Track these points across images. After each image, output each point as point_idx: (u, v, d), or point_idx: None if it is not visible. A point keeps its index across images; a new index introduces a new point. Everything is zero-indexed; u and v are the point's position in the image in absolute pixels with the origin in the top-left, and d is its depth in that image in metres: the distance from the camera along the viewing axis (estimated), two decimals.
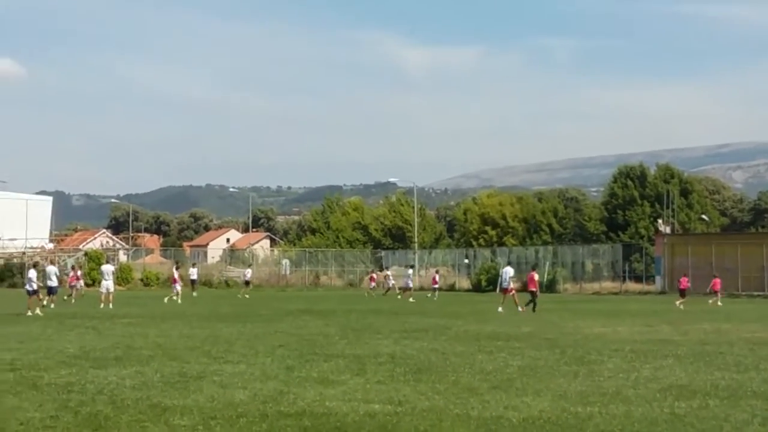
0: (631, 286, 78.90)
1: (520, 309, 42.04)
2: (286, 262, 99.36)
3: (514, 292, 44.61)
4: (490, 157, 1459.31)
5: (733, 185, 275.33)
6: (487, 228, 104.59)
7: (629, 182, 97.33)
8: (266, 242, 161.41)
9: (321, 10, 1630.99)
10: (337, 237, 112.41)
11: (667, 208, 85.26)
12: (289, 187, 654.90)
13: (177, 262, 70.18)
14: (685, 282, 54.57)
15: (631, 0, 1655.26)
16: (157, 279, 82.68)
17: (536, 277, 45.87)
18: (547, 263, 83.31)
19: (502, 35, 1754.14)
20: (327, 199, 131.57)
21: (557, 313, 41.95)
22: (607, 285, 78.49)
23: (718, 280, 56.83)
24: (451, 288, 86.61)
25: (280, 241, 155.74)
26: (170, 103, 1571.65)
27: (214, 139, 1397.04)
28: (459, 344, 23.08)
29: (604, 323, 32.74)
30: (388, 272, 73.24)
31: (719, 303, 53.45)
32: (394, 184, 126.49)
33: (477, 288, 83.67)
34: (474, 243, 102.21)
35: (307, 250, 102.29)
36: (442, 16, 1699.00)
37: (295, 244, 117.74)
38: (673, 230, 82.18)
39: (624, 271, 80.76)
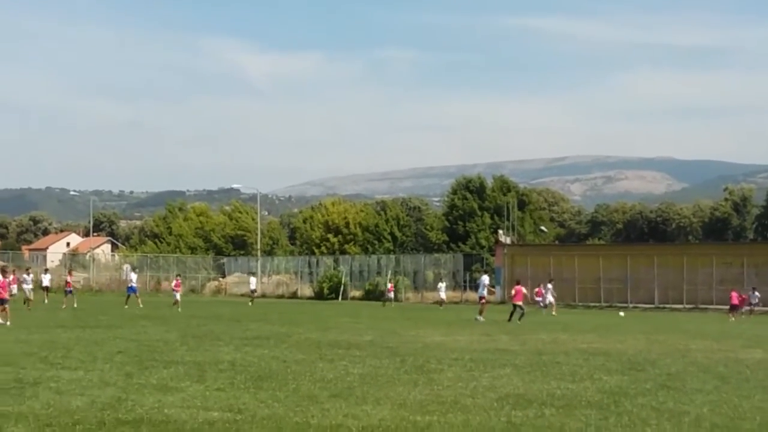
0: (472, 295, 79.27)
1: (480, 318, 42.92)
2: (127, 267, 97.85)
3: (485, 301, 45.21)
4: (333, 165, 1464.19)
5: (571, 197, 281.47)
6: (330, 235, 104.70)
7: (468, 194, 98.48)
8: (107, 247, 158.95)
9: (165, 16, 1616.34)
10: (179, 243, 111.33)
11: (507, 219, 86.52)
12: (132, 192, 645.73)
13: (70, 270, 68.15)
14: (735, 297, 55.58)
15: (474, 13, 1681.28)
16: None
17: (524, 290, 45.11)
18: (389, 272, 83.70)
19: (343, 44, 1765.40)
20: (169, 204, 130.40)
21: (398, 321, 42.12)
22: (448, 294, 79.12)
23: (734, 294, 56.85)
24: (294, 295, 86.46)
25: (122, 245, 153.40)
26: (6, 106, 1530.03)
27: (54, 142, 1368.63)
28: (300, 352, 23.00)
29: (444, 332, 32.97)
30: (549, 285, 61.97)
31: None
32: (237, 190, 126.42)
33: (319, 296, 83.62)
34: (316, 251, 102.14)
35: (148, 255, 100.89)
36: (284, 23, 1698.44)
37: (136, 249, 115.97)
38: (512, 241, 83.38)
39: (465, 281, 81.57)
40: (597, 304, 69.47)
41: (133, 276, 60.09)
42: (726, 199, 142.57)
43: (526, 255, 78.14)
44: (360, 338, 28.71)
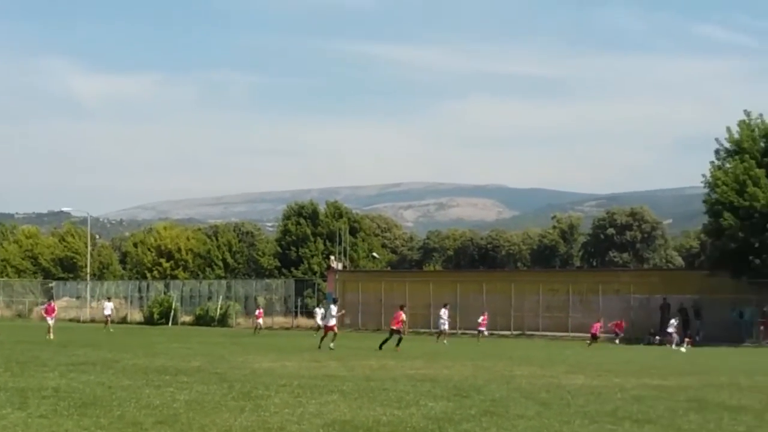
0: (303, 321, 79.82)
1: (331, 346, 41.41)
2: None
3: (334, 330, 43.40)
4: (167, 188, 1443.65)
5: (404, 224, 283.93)
6: (162, 260, 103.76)
7: (301, 220, 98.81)
8: None
9: None
10: (5, 266, 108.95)
11: (339, 245, 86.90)
12: None
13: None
14: (595, 327, 58.09)
15: (312, 38, 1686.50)
16: None
17: (403, 316, 44.65)
18: (221, 297, 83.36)
19: (180, 66, 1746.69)
20: (1, 226, 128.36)
21: (227, 347, 41.96)
22: (280, 320, 79.22)
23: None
24: (123, 320, 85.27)
25: None
26: None
27: None
28: (126, 378, 22.73)
29: (273, 358, 32.97)
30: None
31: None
32: (67, 213, 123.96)
33: (149, 321, 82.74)
34: (148, 275, 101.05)
35: None
36: (117, 44, 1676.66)
37: None
38: (344, 267, 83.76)
39: (296, 307, 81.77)
40: (427, 330, 70.06)
41: None
42: (554, 227, 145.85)
43: (357, 281, 78.53)
44: (188, 364, 28.53)
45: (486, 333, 60.42)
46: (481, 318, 61.01)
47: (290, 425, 14.88)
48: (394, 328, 43.57)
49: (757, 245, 57.29)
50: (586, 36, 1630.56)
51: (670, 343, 57.45)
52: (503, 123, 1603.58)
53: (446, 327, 56.84)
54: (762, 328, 60.21)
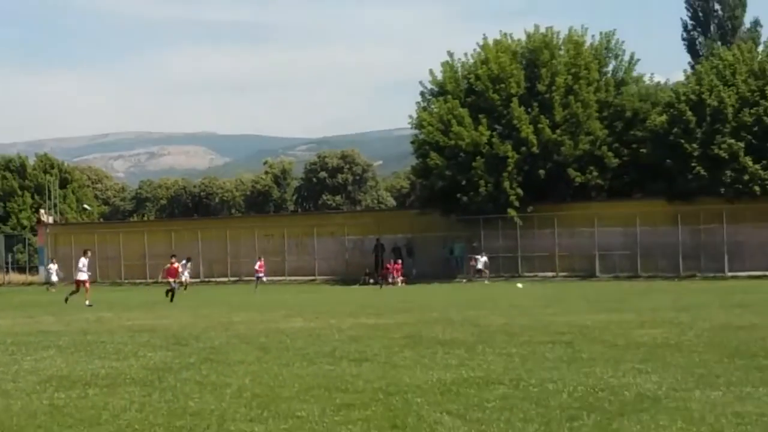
0: (15, 277, 77.77)
1: (87, 303, 39.06)
2: None
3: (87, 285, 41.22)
4: None
5: (115, 174, 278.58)
6: None
7: (8, 174, 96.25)
8: None
9: None
10: None
11: (49, 198, 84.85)
12: None
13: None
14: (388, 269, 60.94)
15: None
16: None
17: (177, 265, 44.82)
18: None
19: None
20: None
21: None
22: None
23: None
24: None
25: None
26: None
27: None
28: None
29: None
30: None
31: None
32: None
33: None
34: None
35: None
36: None
37: None
38: (55, 221, 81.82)
39: (7, 263, 79.53)
40: (143, 281, 69.34)
41: None
42: (266, 173, 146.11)
43: (69, 234, 76.74)
44: None
45: (265, 279, 59.61)
46: (258, 264, 60.31)
47: (5, 384, 14.61)
48: (171, 279, 43.18)
49: (464, 183, 59.05)
50: None
51: (484, 278, 59.21)
52: (211, 70, 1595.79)
53: (187, 278, 56.34)
54: (471, 263, 62.22)
